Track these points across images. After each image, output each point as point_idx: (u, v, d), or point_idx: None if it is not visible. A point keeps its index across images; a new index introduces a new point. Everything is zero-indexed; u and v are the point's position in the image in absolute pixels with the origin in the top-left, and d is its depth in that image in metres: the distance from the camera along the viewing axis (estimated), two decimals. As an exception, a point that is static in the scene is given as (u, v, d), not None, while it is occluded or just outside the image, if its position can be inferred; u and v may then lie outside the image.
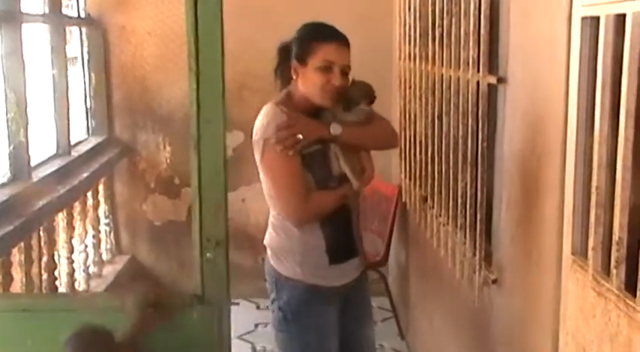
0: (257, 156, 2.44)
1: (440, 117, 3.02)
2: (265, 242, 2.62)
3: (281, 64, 2.52)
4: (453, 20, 2.74)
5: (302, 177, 2.40)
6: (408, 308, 4.30)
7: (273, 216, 2.56)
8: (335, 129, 2.40)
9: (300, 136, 2.34)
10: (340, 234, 2.52)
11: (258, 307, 4.82)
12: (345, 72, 2.43)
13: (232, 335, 4.33)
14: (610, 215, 1.49)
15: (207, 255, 2.04)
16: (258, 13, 4.60)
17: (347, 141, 2.44)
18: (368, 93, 2.49)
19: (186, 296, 2.12)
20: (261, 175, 2.49)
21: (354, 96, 2.47)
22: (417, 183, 3.62)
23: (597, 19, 1.53)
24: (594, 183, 1.55)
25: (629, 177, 1.40)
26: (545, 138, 1.91)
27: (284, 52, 2.50)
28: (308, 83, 2.42)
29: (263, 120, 2.42)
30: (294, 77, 2.45)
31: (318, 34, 2.44)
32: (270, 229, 2.59)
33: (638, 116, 1.36)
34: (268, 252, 2.60)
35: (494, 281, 2.37)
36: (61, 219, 3.87)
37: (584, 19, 1.60)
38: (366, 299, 2.71)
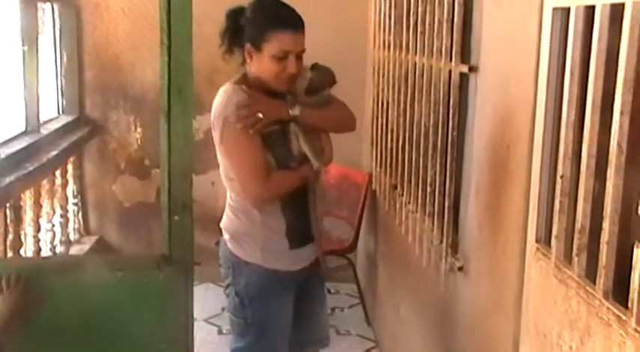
0: (216, 136, 2.42)
1: (412, 106, 3.04)
2: (222, 225, 2.59)
3: (228, 30, 2.47)
4: (428, 8, 2.75)
5: (262, 156, 2.39)
6: (375, 295, 4.33)
7: (232, 198, 2.53)
8: (294, 109, 2.40)
9: (261, 115, 2.33)
10: (299, 217, 2.51)
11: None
12: (299, 57, 2.40)
13: (199, 318, 4.35)
14: (574, 203, 1.52)
15: (175, 217, 2.16)
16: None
17: (306, 121, 2.43)
18: (332, 79, 2.49)
19: (154, 256, 2.25)
20: (219, 156, 2.47)
21: (319, 82, 2.46)
22: (388, 170, 3.63)
23: (568, 10, 1.55)
24: (559, 172, 1.57)
25: (593, 166, 1.42)
26: (514, 127, 1.93)
27: (233, 18, 2.45)
28: (263, 69, 2.39)
29: (222, 98, 2.40)
30: (247, 60, 2.42)
31: (274, 21, 2.37)
32: (228, 212, 2.57)
33: (603, 106, 1.39)
34: (225, 235, 2.57)
35: (460, 269, 2.40)
36: (28, 197, 3.83)
37: (555, 9, 1.62)
38: (320, 283, 2.72)
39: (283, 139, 2.44)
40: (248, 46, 2.39)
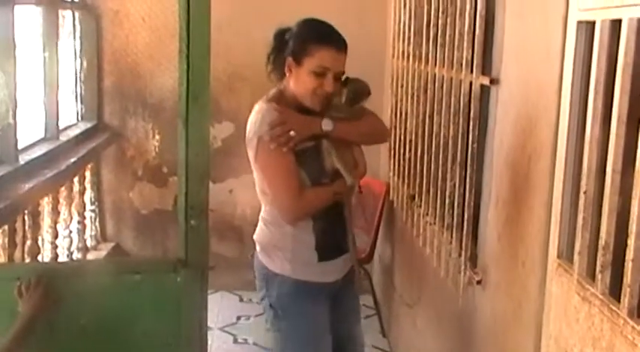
0: (251, 155, 2.43)
1: (431, 117, 3.03)
2: (255, 237, 2.60)
3: (275, 49, 2.49)
4: (448, 20, 2.74)
5: (296, 173, 2.39)
6: (391, 306, 4.30)
7: (265, 211, 2.54)
8: (327, 124, 2.39)
9: (293, 133, 2.34)
10: (331, 230, 2.51)
11: (241, 299, 4.80)
12: (338, 78, 2.41)
13: (214, 326, 4.35)
14: (597, 219, 1.50)
15: (192, 222, 2.21)
16: (253, 6, 4.58)
17: (339, 136, 2.43)
18: (368, 90, 2.48)
19: (172, 260, 2.30)
20: (255, 173, 2.48)
21: (357, 94, 2.45)
22: (406, 181, 3.62)
23: (593, 23, 1.53)
24: (583, 187, 1.55)
25: (617, 182, 1.40)
26: (536, 140, 1.91)
27: (280, 38, 2.47)
28: (300, 84, 2.40)
29: (255, 117, 2.41)
30: (287, 74, 2.43)
31: (318, 37, 2.39)
32: (260, 224, 2.58)
33: (629, 121, 1.37)
34: (258, 247, 2.58)
35: (479, 282, 2.38)
36: (46, 203, 3.84)
37: (579, 23, 1.61)
38: (353, 295, 2.70)
39: (316, 156, 2.43)
40: (289, 59, 2.40)
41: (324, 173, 2.45)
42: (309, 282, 2.49)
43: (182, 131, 2.17)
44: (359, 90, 2.46)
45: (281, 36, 2.46)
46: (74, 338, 2.22)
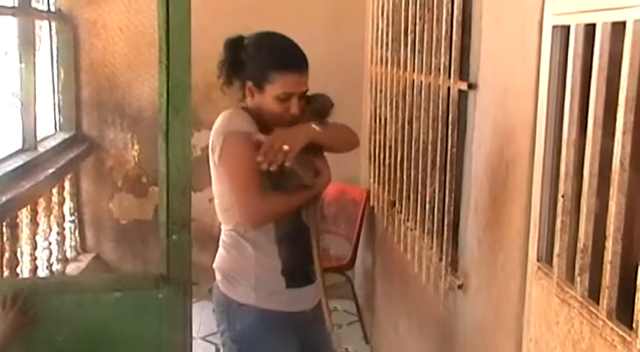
0: (215, 157, 2.27)
1: (410, 122, 3.04)
2: (215, 265, 2.42)
3: (228, 60, 2.33)
4: (426, 26, 2.76)
5: (259, 173, 2.21)
6: (373, 312, 4.30)
7: (225, 234, 2.37)
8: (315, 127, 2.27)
9: (287, 147, 2.16)
10: (298, 255, 2.34)
11: (223, 308, 4.78)
12: (302, 96, 2.28)
13: (196, 336, 4.32)
14: (576, 222, 1.51)
15: (173, 237, 2.17)
16: (231, 14, 4.58)
17: (320, 141, 2.30)
18: (331, 102, 2.41)
19: (153, 276, 2.26)
20: (215, 184, 2.32)
21: (322, 110, 2.39)
22: (386, 187, 3.62)
23: (568, 28, 1.55)
24: (561, 190, 1.56)
25: (595, 185, 1.41)
26: (514, 144, 1.92)
27: (232, 49, 2.32)
28: (264, 108, 2.27)
29: (222, 119, 2.28)
30: (248, 97, 2.31)
31: (279, 63, 2.24)
32: (220, 250, 2.40)
33: (605, 124, 1.38)
34: (218, 276, 2.40)
35: (460, 287, 2.38)
36: (24, 215, 3.81)
37: (554, 27, 1.62)
38: (325, 331, 2.47)
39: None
40: (250, 84, 2.28)
41: (283, 174, 2.25)
42: (275, 312, 2.32)
43: (162, 144, 2.11)
44: (322, 105, 2.39)
45: (233, 47, 2.32)
46: None
